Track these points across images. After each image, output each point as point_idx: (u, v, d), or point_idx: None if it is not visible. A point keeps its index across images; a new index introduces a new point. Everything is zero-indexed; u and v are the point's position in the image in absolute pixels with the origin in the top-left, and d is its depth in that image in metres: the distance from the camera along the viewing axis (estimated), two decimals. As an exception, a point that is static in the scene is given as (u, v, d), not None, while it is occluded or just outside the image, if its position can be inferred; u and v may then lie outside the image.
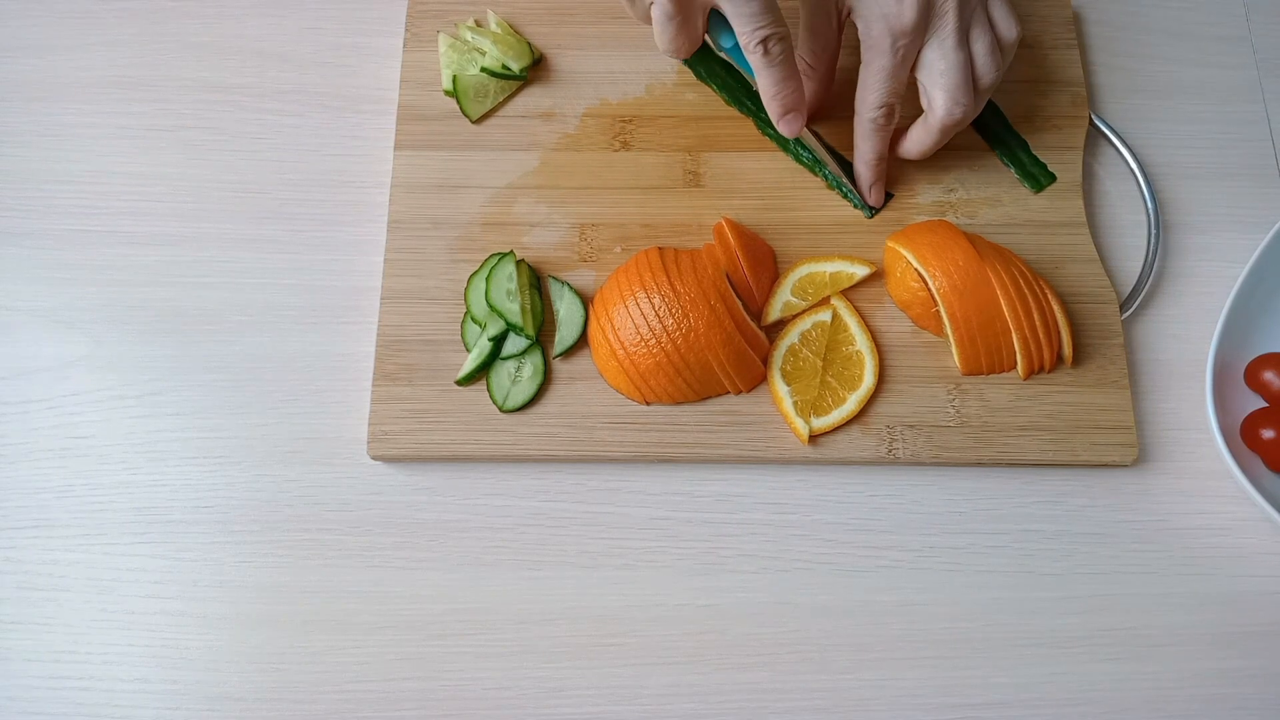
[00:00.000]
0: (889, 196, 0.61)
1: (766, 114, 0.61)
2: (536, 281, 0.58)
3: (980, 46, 0.54)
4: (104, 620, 0.54)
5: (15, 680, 0.53)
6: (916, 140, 0.57)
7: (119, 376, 0.58)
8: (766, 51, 0.52)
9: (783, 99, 0.54)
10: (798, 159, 0.61)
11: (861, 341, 0.56)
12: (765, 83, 0.54)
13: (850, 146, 0.59)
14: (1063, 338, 0.55)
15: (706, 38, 0.56)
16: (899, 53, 0.53)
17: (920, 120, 0.57)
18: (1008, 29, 0.55)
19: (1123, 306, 0.58)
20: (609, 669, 0.53)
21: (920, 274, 0.55)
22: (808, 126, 0.57)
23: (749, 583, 0.54)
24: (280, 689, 0.52)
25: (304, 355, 0.58)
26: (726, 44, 0.55)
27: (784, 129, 0.56)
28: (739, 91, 0.62)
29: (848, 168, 0.60)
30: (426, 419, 0.55)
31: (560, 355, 0.57)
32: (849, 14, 0.54)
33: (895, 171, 0.61)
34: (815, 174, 0.61)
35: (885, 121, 0.56)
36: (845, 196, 0.60)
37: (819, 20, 0.56)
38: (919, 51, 0.54)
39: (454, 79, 0.61)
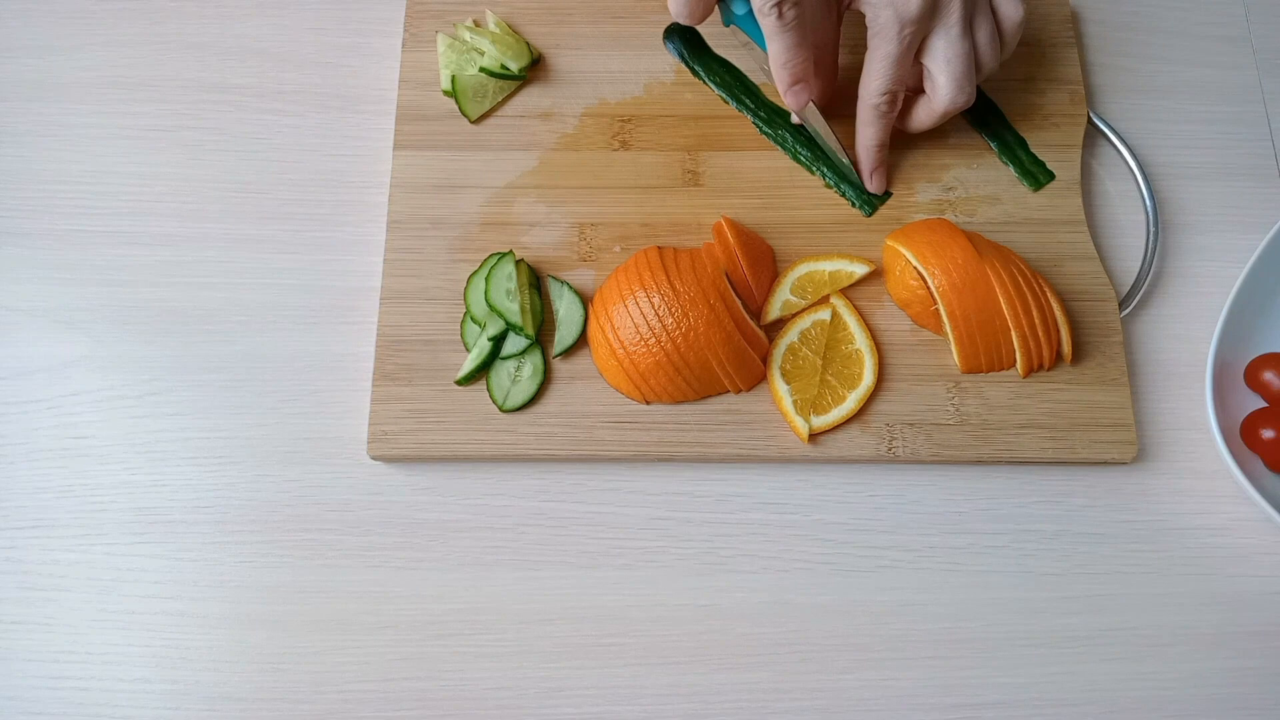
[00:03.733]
0: (887, 195, 0.61)
1: (764, 113, 0.61)
2: (536, 281, 0.58)
3: (983, 35, 0.55)
4: (104, 620, 0.54)
5: (15, 680, 0.53)
6: (919, 120, 0.58)
7: (119, 376, 0.58)
8: (780, 15, 0.52)
9: (792, 67, 0.55)
10: (796, 157, 0.61)
11: (861, 340, 0.56)
12: (776, 49, 0.54)
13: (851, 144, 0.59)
14: (1062, 335, 0.55)
15: (719, 6, 0.57)
16: (905, 40, 0.53)
17: (923, 101, 0.57)
18: (1012, 10, 0.55)
19: (1121, 305, 0.58)
20: (609, 669, 0.53)
21: (919, 272, 0.55)
22: (813, 102, 0.57)
23: (749, 583, 0.54)
24: (280, 689, 0.52)
25: (304, 355, 0.58)
26: (740, 10, 0.55)
27: (790, 101, 0.56)
28: (737, 90, 0.62)
29: (846, 158, 0.60)
30: (426, 419, 0.55)
31: (560, 355, 0.57)
32: (850, 3, 0.55)
33: (894, 170, 0.61)
34: (813, 172, 0.61)
35: (888, 108, 0.56)
36: (844, 195, 0.60)
37: (820, 12, 0.56)
38: (924, 39, 0.54)
39: (453, 79, 0.61)
